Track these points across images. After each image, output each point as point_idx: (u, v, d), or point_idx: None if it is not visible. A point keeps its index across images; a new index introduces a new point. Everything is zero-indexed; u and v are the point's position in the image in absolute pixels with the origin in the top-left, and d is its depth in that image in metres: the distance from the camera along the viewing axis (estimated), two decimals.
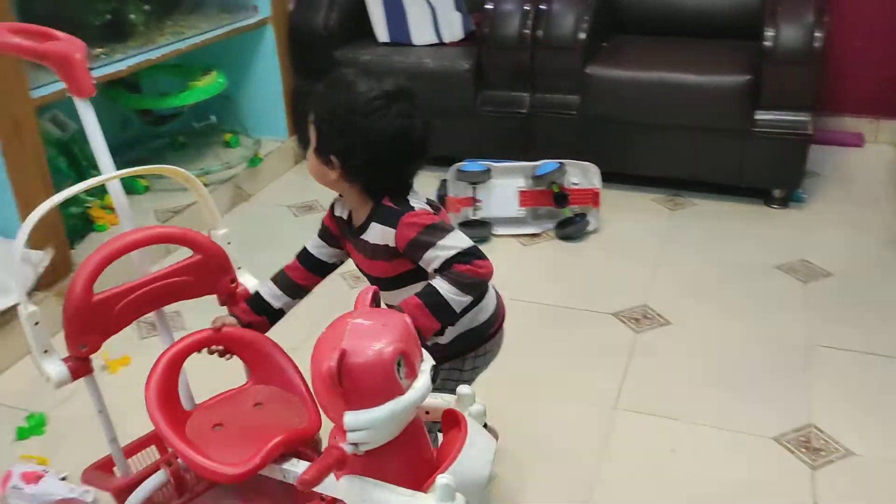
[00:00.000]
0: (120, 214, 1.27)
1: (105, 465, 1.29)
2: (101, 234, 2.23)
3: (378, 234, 1.10)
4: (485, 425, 1.08)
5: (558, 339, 1.93)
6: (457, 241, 1.06)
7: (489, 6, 2.66)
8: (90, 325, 1.14)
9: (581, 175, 2.41)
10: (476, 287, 1.06)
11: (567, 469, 1.51)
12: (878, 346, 1.85)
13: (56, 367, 1.13)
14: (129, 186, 2.48)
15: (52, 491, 1.41)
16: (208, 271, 1.25)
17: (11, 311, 1.80)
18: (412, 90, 1.10)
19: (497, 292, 1.27)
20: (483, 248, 2.30)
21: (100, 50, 2.23)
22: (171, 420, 1.11)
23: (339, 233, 1.22)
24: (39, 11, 2.10)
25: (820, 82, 2.47)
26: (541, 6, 2.62)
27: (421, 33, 2.85)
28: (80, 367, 1.16)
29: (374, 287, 0.98)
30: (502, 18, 2.63)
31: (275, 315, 1.24)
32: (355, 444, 0.88)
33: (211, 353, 1.23)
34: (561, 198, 2.38)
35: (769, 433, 1.58)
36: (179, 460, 1.21)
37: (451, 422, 0.98)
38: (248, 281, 1.30)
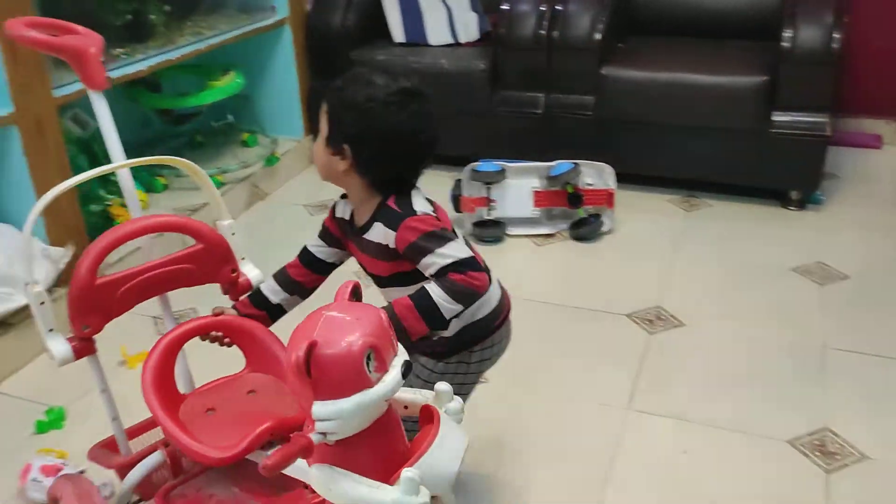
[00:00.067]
0: (128, 202, 1.31)
1: (110, 444, 1.34)
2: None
3: (380, 234, 1.12)
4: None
5: (572, 339, 1.93)
6: (455, 250, 1.08)
7: (505, 7, 2.67)
8: (93, 307, 1.18)
9: (596, 176, 2.41)
10: (468, 297, 1.08)
11: (579, 469, 1.51)
12: (894, 350, 1.83)
13: (60, 346, 1.18)
14: (149, 185, 2.52)
15: None
16: (209, 260, 1.28)
17: None
18: (426, 92, 1.12)
19: (501, 286, 1.27)
20: (497, 248, 2.38)
21: (121, 50, 2.26)
22: (165, 403, 1.15)
23: (339, 233, 1.24)
24: (62, 13, 2.12)
25: (838, 83, 2.45)
26: (557, 7, 2.62)
27: (437, 34, 2.86)
28: (83, 346, 1.20)
29: (355, 281, 1.00)
30: (518, 19, 2.63)
31: (274, 311, 1.27)
32: (323, 434, 0.90)
33: (212, 340, 1.26)
34: (575, 198, 2.38)
35: (783, 436, 1.58)
36: None
37: (427, 417, 1.00)
38: (251, 271, 1.33)
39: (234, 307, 1.28)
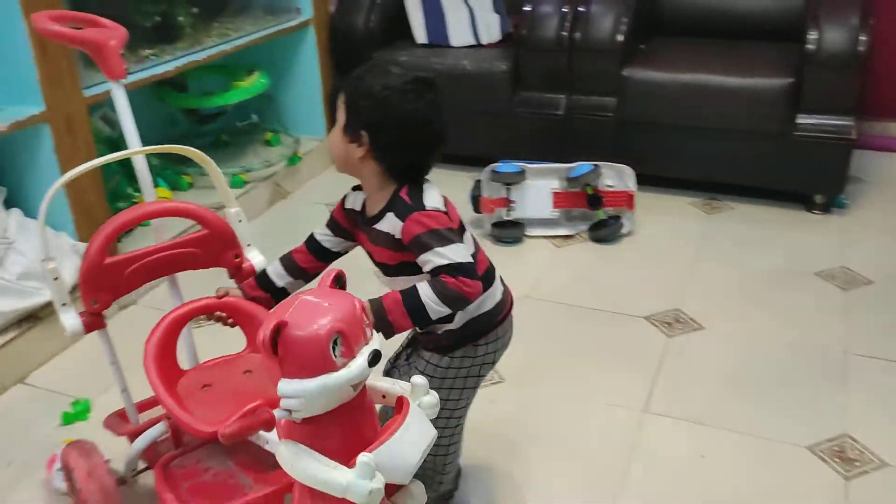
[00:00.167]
0: (142, 187, 1.39)
1: (122, 415, 1.43)
2: (145, 228, 2.30)
3: (390, 224, 1.14)
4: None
5: (589, 341, 1.93)
6: (454, 253, 1.10)
7: (527, 8, 2.67)
8: (102, 284, 1.26)
9: (616, 177, 2.41)
10: (456, 301, 1.10)
11: (594, 470, 1.52)
12: None
13: (71, 319, 1.25)
14: (175, 183, 2.56)
15: None
16: (213, 245, 1.34)
17: None
18: (438, 84, 1.15)
19: (503, 281, 1.29)
20: (516, 249, 2.39)
21: (149, 51, 2.31)
22: (164, 376, 1.22)
23: (348, 224, 1.26)
24: (92, 13, 2.17)
25: (864, 86, 2.42)
26: (579, 8, 2.62)
27: (459, 35, 2.88)
28: (93, 321, 1.27)
29: (339, 270, 1.02)
30: (540, 20, 2.64)
31: (278, 293, 1.29)
32: (288, 411, 0.94)
33: (216, 320, 1.31)
34: (595, 200, 2.38)
35: (803, 442, 1.57)
36: None
37: (400, 408, 1.03)
38: (255, 257, 1.38)
39: (239, 288, 1.32)
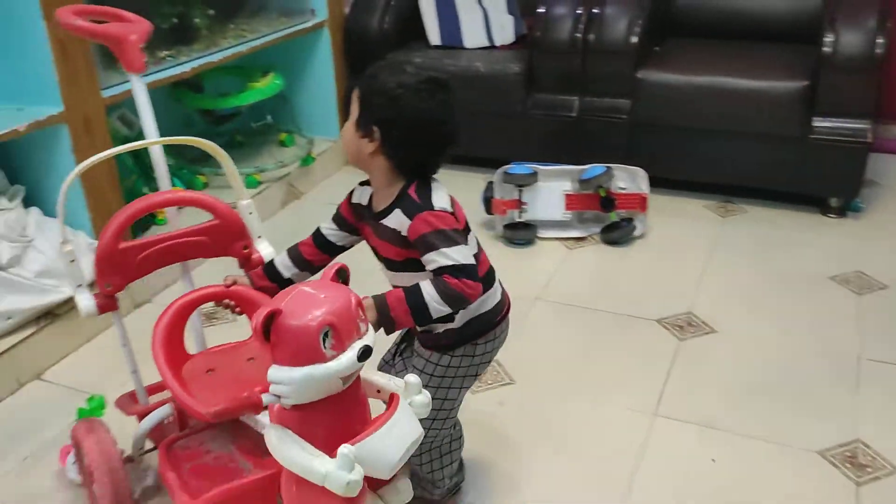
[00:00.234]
0: (159, 178, 1.44)
1: (134, 395, 1.49)
2: (161, 227, 2.33)
3: (397, 220, 1.16)
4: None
5: (600, 343, 1.93)
6: (458, 254, 1.11)
7: (541, 10, 2.67)
8: (115, 268, 1.32)
9: (629, 179, 2.41)
10: (457, 301, 1.12)
11: (602, 472, 1.52)
12: None
13: (86, 300, 1.31)
14: (190, 183, 2.59)
15: None
16: (223, 235, 1.39)
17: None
18: (451, 85, 1.17)
19: (501, 283, 1.30)
20: (528, 250, 2.39)
21: (166, 52, 2.33)
22: (171, 359, 1.26)
23: (354, 219, 1.28)
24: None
25: (880, 89, 2.40)
26: (594, 10, 2.62)
27: (473, 36, 2.88)
28: (106, 303, 1.33)
29: (342, 264, 1.05)
30: (554, 22, 2.64)
31: (284, 284, 1.32)
32: (277, 396, 0.97)
33: (224, 307, 1.35)
34: (607, 202, 2.38)
35: (814, 447, 1.56)
36: None
37: (389, 404, 1.06)
38: (265, 249, 1.41)
39: (248, 277, 1.35)
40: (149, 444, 1.45)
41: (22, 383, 1.82)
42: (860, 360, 1.82)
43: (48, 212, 1.96)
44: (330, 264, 1.06)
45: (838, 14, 2.36)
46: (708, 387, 1.75)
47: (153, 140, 1.39)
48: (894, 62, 2.70)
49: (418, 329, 1.26)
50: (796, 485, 1.48)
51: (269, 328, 0.94)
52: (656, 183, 2.45)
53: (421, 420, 1.17)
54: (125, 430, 1.45)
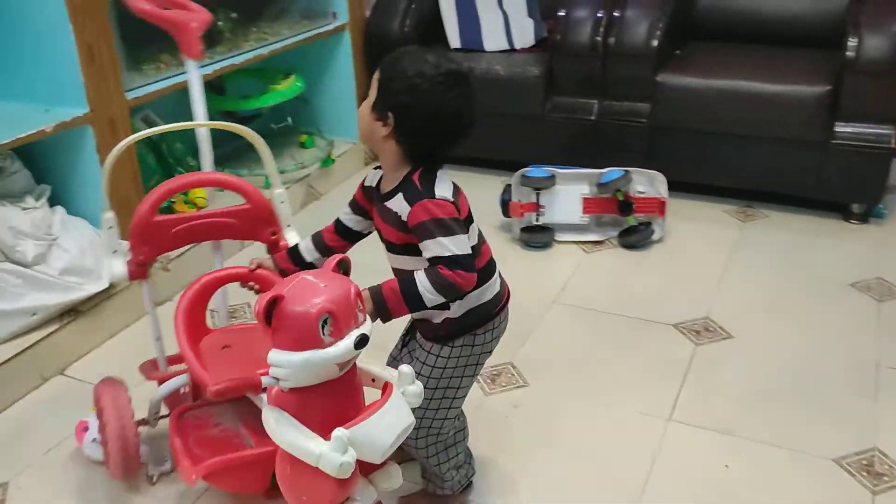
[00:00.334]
0: (202, 158, 1.56)
1: (156, 363, 1.57)
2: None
3: (398, 205, 1.18)
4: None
5: (616, 347, 1.93)
6: (454, 244, 1.13)
7: (562, 13, 2.67)
8: (148, 238, 1.41)
9: (647, 183, 2.40)
10: (451, 291, 1.14)
11: (615, 476, 1.52)
12: None
13: (119, 266, 1.41)
14: None
15: None
16: (253, 219, 1.47)
17: (102, 294, 1.95)
18: (471, 77, 1.18)
19: (501, 275, 1.31)
20: (545, 253, 2.39)
21: None
22: (190, 332, 1.34)
23: (366, 203, 1.30)
24: (136, 18, 2.24)
25: None
26: (614, 13, 2.61)
27: (493, 39, 2.89)
28: (137, 271, 1.43)
29: (344, 255, 1.09)
30: (575, 25, 2.64)
31: (306, 267, 1.34)
32: (276, 379, 1.01)
33: (249, 288, 1.41)
34: (625, 206, 2.37)
35: (830, 454, 1.54)
36: None
37: (383, 392, 1.09)
38: (293, 238, 1.47)
39: (272, 259, 1.39)
40: (165, 412, 1.52)
41: (45, 378, 1.86)
42: (879, 368, 1.79)
43: (73, 211, 2.01)
44: (332, 257, 1.10)
45: (862, 17, 2.33)
46: (723, 392, 1.74)
47: (200, 122, 1.50)
48: None
49: (417, 319, 1.29)
50: (810, 492, 1.46)
51: (270, 313, 0.98)
52: (676, 187, 2.44)
53: (426, 411, 1.22)
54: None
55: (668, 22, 2.58)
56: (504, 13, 2.91)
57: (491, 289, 1.26)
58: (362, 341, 1.01)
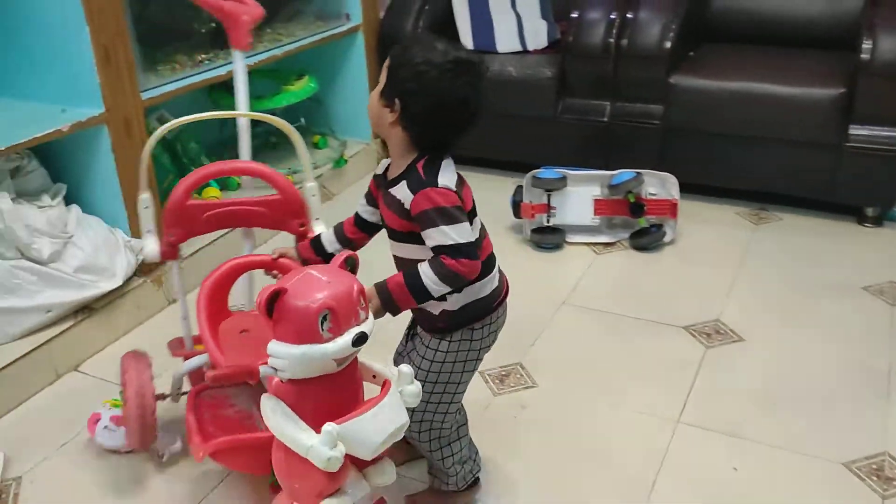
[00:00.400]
0: (241, 148, 1.63)
1: (182, 341, 1.62)
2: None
3: (402, 192, 1.19)
4: None
5: (626, 349, 1.93)
6: (457, 233, 1.14)
7: (575, 14, 2.67)
8: (181, 221, 1.46)
9: (659, 185, 2.39)
10: (455, 280, 1.15)
11: (623, 478, 1.52)
12: None
13: (152, 245, 1.47)
14: (224, 183, 2.64)
15: None
16: (282, 210, 1.50)
17: (116, 292, 1.98)
18: (480, 65, 1.18)
19: (500, 270, 1.32)
20: (556, 255, 2.39)
21: (204, 56, 2.39)
22: (210, 314, 1.38)
23: (376, 191, 1.31)
24: (152, 20, 2.28)
25: None
26: (628, 14, 2.61)
27: (506, 41, 2.89)
28: (168, 251, 1.48)
29: (352, 252, 1.11)
30: (588, 27, 2.63)
31: (327, 258, 1.36)
32: (274, 369, 1.03)
33: (273, 276, 1.44)
34: (637, 208, 2.37)
35: (839, 458, 1.53)
36: None
37: (381, 389, 1.11)
38: (320, 231, 1.50)
39: (295, 247, 1.41)
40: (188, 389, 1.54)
41: (59, 374, 1.88)
42: (891, 372, 1.78)
43: (88, 209, 2.03)
44: (340, 253, 1.12)
45: (877, 20, 2.31)
46: (733, 395, 1.73)
47: (239, 112, 1.58)
48: None
49: (415, 309, 1.29)
50: (819, 496, 1.46)
51: (272, 305, 1.00)
52: (688, 189, 2.43)
53: (427, 405, 1.22)
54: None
55: (681, 23, 2.57)
56: (517, 15, 2.92)
57: (490, 283, 1.27)
58: (361, 339, 1.02)
